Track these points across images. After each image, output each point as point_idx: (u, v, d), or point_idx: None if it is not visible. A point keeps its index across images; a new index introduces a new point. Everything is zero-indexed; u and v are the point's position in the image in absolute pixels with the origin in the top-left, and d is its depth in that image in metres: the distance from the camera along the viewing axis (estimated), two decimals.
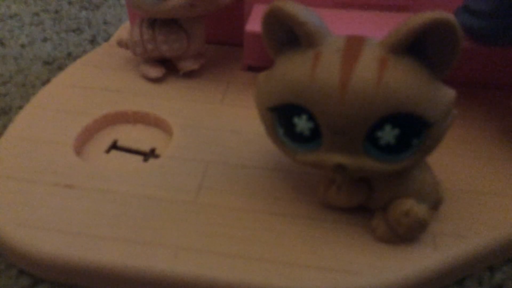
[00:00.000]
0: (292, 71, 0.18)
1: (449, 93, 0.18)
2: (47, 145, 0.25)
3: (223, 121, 0.27)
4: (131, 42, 0.30)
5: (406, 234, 0.20)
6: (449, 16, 0.16)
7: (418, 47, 0.17)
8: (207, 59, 0.32)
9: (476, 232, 0.21)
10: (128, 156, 0.26)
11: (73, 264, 0.19)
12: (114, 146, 0.27)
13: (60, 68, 0.35)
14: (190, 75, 0.31)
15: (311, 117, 0.18)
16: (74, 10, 0.45)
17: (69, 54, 0.37)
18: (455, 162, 0.25)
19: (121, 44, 0.32)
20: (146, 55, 0.30)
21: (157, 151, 0.26)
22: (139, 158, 0.26)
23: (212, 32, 0.34)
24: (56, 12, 0.44)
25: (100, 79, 0.30)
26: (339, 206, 0.21)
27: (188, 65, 0.30)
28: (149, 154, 0.26)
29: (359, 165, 0.18)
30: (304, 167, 0.23)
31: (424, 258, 0.20)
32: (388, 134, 0.17)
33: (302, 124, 0.18)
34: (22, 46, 0.38)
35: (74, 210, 0.21)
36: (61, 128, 0.26)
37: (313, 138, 0.18)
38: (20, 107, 0.31)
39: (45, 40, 0.39)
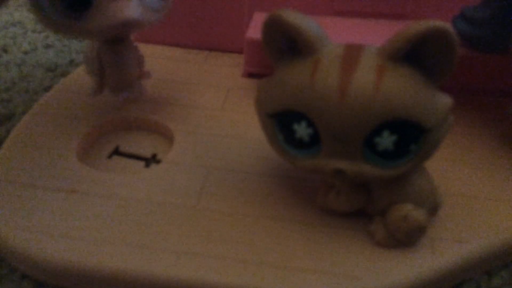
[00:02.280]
0: (291, 78, 0.18)
1: (446, 100, 0.18)
2: (50, 150, 0.25)
3: (224, 127, 0.28)
4: None
5: (405, 239, 0.20)
6: (445, 25, 0.16)
7: (415, 55, 0.17)
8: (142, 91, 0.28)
9: (474, 236, 0.21)
10: (129, 161, 0.26)
11: (76, 268, 0.20)
12: (116, 151, 0.27)
13: (63, 74, 0.35)
14: (190, 82, 0.31)
15: (310, 124, 0.18)
16: None
17: (71, 61, 0.37)
18: (453, 167, 0.25)
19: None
20: None
21: (159, 157, 0.27)
22: (141, 163, 0.26)
23: (213, 39, 0.35)
24: None
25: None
26: (338, 211, 0.21)
27: (115, 96, 0.26)
28: (151, 160, 0.26)
29: (358, 170, 0.18)
30: (304, 173, 0.23)
31: (422, 263, 0.20)
32: (386, 140, 0.18)
33: (301, 130, 0.18)
34: (25, 53, 0.39)
35: (77, 215, 0.22)
36: (63, 134, 0.26)
37: (312, 144, 0.19)
38: (23, 113, 0.31)
39: (47, 47, 0.40)
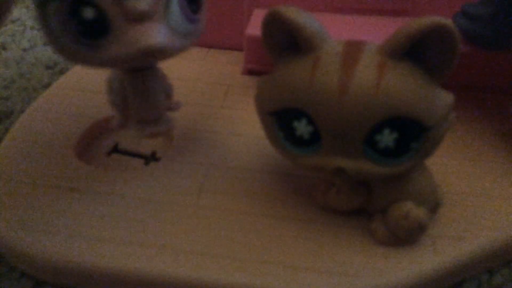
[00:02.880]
0: (292, 75, 0.18)
1: (447, 97, 0.18)
2: (49, 148, 0.25)
3: (224, 124, 0.27)
4: None
5: (405, 237, 0.20)
6: (446, 21, 0.16)
7: (416, 51, 0.17)
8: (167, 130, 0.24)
9: (475, 234, 0.21)
10: (129, 159, 0.26)
11: (75, 267, 0.20)
12: (115, 149, 0.27)
13: (62, 72, 0.35)
14: (189, 79, 0.31)
15: (310, 121, 0.18)
16: None
17: None
18: (454, 165, 0.25)
19: None
20: None
21: (158, 154, 0.26)
22: (140, 161, 0.26)
23: (213, 37, 0.35)
24: None
25: (101, 83, 0.30)
26: (338, 209, 0.21)
27: (132, 131, 0.23)
28: (150, 157, 0.26)
29: (358, 168, 0.18)
30: (304, 171, 0.23)
31: (423, 261, 0.20)
32: (387, 138, 0.17)
33: (302, 128, 0.18)
34: (24, 50, 0.38)
35: (76, 213, 0.22)
36: (62, 131, 0.26)
37: (313, 141, 0.18)
38: (22, 111, 0.31)
39: (46, 44, 0.39)
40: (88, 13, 0.17)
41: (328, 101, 0.17)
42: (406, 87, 0.17)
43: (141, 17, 0.17)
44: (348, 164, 0.18)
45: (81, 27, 0.17)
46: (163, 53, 0.18)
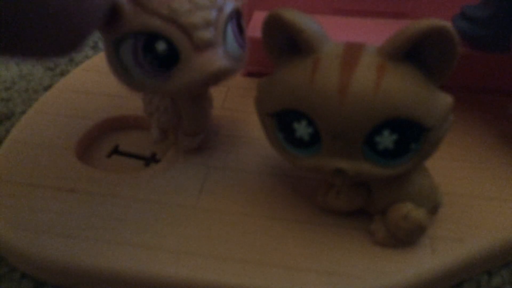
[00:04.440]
0: (291, 77, 0.18)
1: (446, 99, 0.18)
2: (49, 149, 0.25)
3: (224, 126, 0.28)
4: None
5: (405, 238, 0.20)
6: (445, 23, 0.16)
7: (416, 54, 0.17)
8: (208, 140, 0.26)
9: (474, 236, 0.21)
10: (129, 160, 0.26)
11: (75, 268, 0.20)
12: (116, 150, 0.27)
13: (62, 73, 0.35)
14: None
15: (310, 122, 0.18)
16: None
17: (71, 60, 0.37)
18: (453, 166, 0.25)
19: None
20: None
21: (158, 156, 0.27)
22: (140, 162, 0.26)
23: None
24: None
25: (101, 85, 0.31)
26: (338, 210, 0.21)
27: (185, 141, 0.25)
28: (150, 159, 0.26)
29: (358, 169, 0.18)
30: (304, 172, 0.23)
31: (422, 262, 0.20)
32: (386, 139, 0.17)
33: (301, 129, 0.18)
34: None
35: (76, 214, 0.22)
36: (63, 132, 0.26)
37: (312, 143, 0.19)
38: (23, 112, 0.31)
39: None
40: (161, 46, 0.19)
41: (328, 102, 0.17)
42: (405, 89, 0.17)
43: (206, 45, 0.19)
44: (348, 165, 0.18)
45: (154, 59, 0.19)
46: (226, 75, 0.20)
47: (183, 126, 0.24)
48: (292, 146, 0.19)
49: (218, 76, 0.20)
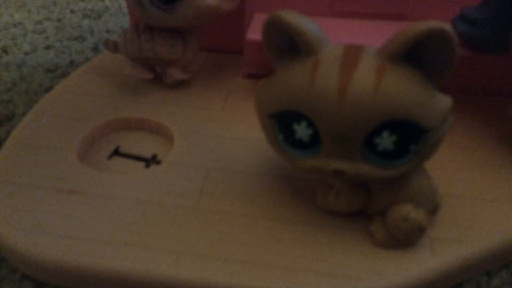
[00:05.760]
0: (291, 78, 0.18)
1: (445, 100, 0.18)
2: (50, 151, 0.25)
3: (224, 127, 0.28)
4: (124, 41, 0.30)
5: (404, 239, 0.20)
6: (444, 25, 0.16)
7: (415, 55, 0.17)
8: (196, 71, 0.33)
9: (473, 237, 0.21)
10: (130, 162, 0.26)
11: (76, 269, 0.20)
12: (116, 152, 0.27)
13: (63, 75, 0.35)
14: (190, 83, 0.31)
15: (310, 124, 0.18)
16: (77, 18, 0.45)
17: (71, 62, 0.38)
18: (453, 168, 0.25)
19: (108, 44, 0.31)
20: (137, 54, 0.29)
21: (159, 157, 0.27)
22: (141, 164, 0.26)
23: (213, 40, 0.35)
24: (59, 20, 0.45)
25: (102, 86, 0.31)
26: (338, 211, 0.21)
27: (177, 74, 0.30)
28: (151, 160, 0.26)
29: (358, 171, 0.18)
30: (304, 173, 0.23)
31: (422, 263, 0.20)
32: (386, 141, 0.18)
33: (301, 130, 0.18)
34: (25, 53, 0.39)
35: (77, 216, 0.22)
36: (64, 134, 0.27)
37: (312, 144, 0.19)
38: (23, 114, 0.31)
39: (48, 48, 0.40)
40: None
41: (328, 104, 0.17)
42: (405, 90, 0.17)
43: None
44: (348, 166, 0.18)
45: None
46: (217, 12, 0.28)
47: (180, 59, 0.30)
48: (292, 147, 0.19)
49: (211, 12, 0.27)
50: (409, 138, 0.18)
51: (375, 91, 0.17)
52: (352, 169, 0.18)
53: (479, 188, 0.24)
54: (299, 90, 0.18)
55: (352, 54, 0.18)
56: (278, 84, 0.19)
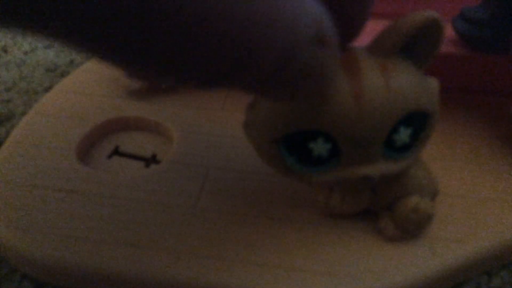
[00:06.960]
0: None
1: (434, 82, 0.19)
2: (50, 150, 0.25)
3: (224, 127, 0.28)
4: None
5: (415, 230, 0.20)
6: (436, 15, 0.16)
7: (406, 46, 0.17)
8: None
9: (473, 237, 0.21)
10: (129, 161, 0.26)
11: (76, 269, 0.20)
12: (116, 151, 0.27)
13: (63, 75, 0.35)
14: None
15: (328, 138, 0.17)
16: None
17: (71, 61, 0.38)
18: (453, 167, 0.25)
19: None
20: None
21: (158, 157, 0.27)
22: (141, 163, 0.26)
23: None
24: None
25: (102, 86, 0.31)
26: (344, 214, 0.21)
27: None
28: (151, 160, 0.26)
29: (382, 171, 0.18)
30: (317, 188, 0.23)
31: (422, 263, 0.20)
32: (403, 135, 0.18)
33: (319, 147, 0.18)
34: (25, 53, 0.39)
35: (77, 215, 0.22)
36: (63, 134, 0.26)
37: (330, 157, 0.18)
38: (23, 113, 0.31)
39: (47, 47, 0.40)
40: None
41: (346, 113, 0.17)
42: (410, 82, 0.17)
43: None
44: (372, 169, 0.18)
45: None
46: None
47: None
48: (307, 166, 0.18)
49: None
50: (420, 127, 0.18)
51: (387, 90, 0.17)
52: (376, 171, 0.18)
53: (479, 188, 0.24)
54: (310, 108, 0.17)
55: (347, 57, 0.17)
56: (279, 106, 0.18)
